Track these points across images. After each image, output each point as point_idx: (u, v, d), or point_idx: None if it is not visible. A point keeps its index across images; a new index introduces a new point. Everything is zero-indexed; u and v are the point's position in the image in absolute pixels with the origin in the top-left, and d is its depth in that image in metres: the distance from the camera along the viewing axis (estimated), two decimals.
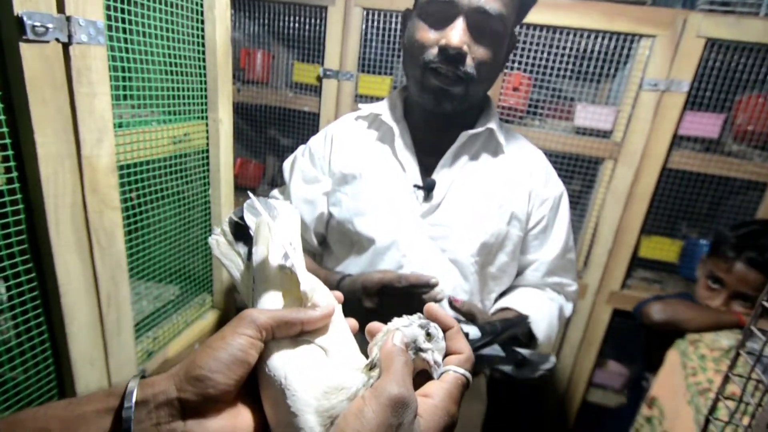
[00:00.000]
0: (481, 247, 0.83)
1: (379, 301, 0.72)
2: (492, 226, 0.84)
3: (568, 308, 0.94)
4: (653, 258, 1.51)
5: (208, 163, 0.96)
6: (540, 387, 1.69)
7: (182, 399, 0.32)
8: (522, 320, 0.72)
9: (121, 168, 0.72)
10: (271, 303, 0.40)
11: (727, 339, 0.94)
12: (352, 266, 0.88)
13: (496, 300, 0.90)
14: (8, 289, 0.61)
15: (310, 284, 0.40)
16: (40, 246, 0.62)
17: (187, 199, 0.93)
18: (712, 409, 0.47)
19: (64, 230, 0.63)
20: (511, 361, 0.66)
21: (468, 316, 0.71)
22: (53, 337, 0.67)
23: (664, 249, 1.49)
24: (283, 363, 0.35)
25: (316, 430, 0.32)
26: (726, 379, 0.46)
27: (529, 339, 0.81)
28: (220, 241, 0.47)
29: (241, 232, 0.46)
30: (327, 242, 0.96)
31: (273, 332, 0.36)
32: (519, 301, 0.85)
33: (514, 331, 0.66)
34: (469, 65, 0.73)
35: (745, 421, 0.47)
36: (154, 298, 0.95)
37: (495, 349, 0.65)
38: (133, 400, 0.32)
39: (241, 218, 0.45)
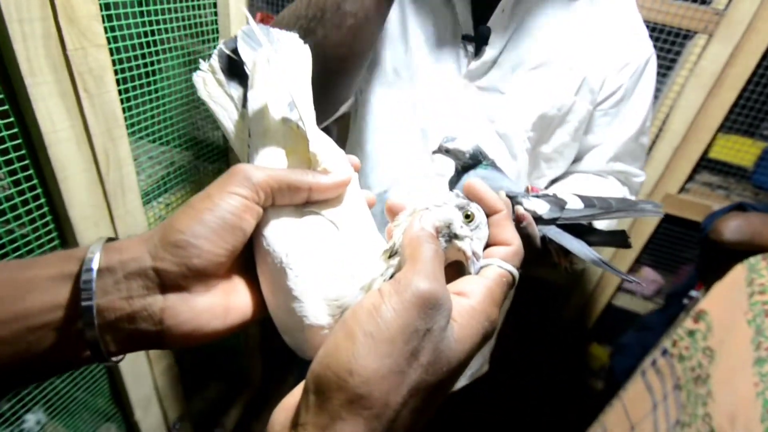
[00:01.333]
0: (539, 120, 0.71)
1: None
2: (556, 95, 0.71)
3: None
4: (724, 160, 1.33)
5: (216, 15, 0.82)
6: (566, 285, 1.66)
7: (159, 269, 0.27)
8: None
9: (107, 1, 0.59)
10: (272, 162, 0.34)
11: None
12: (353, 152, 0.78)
13: (546, 187, 0.80)
14: None
15: (322, 144, 0.34)
16: (15, 90, 0.53)
17: (196, 57, 0.83)
18: None
19: (38, 69, 0.53)
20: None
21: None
22: (48, 194, 0.62)
23: (741, 151, 1.30)
24: (285, 236, 0.31)
25: (323, 319, 0.29)
26: None
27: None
28: (207, 80, 0.38)
29: (236, 69, 0.38)
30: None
31: (273, 196, 0.31)
32: (577, 188, 0.74)
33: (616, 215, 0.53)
34: None
35: None
36: (168, 164, 0.90)
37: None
38: (95, 264, 0.27)
39: (235, 51, 0.37)
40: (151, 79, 0.75)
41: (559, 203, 0.53)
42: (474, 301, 0.28)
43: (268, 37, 0.37)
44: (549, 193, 0.55)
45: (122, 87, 0.67)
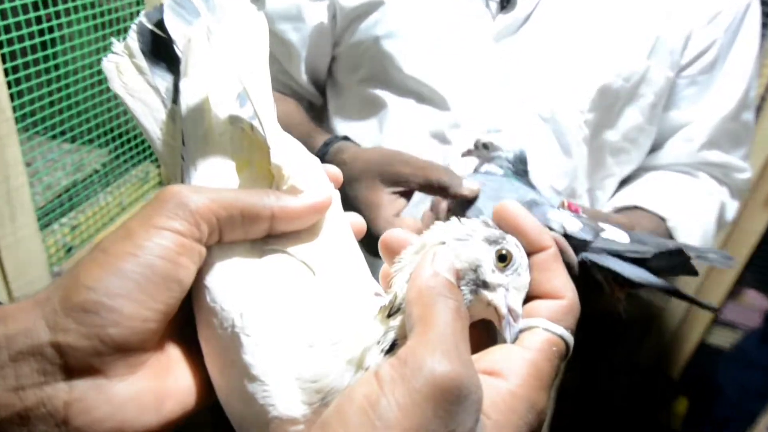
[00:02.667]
0: (600, 95, 0.72)
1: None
2: (621, 60, 0.71)
3: (732, 208, 0.84)
4: None
5: None
6: (640, 320, 1.66)
7: (61, 345, 0.26)
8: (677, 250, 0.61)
9: None
10: (216, 180, 0.34)
11: None
12: (365, 126, 0.79)
13: (615, 193, 0.81)
14: None
15: (288, 151, 0.34)
16: None
17: (112, 17, 0.83)
18: None
19: None
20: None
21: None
22: None
23: None
24: (238, 288, 0.30)
25: (296, 410, 0.27)
26: None
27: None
28: (122, 66, 0.38)
29: (163, 51, 0.38)
30: (331, 82, 0.85)
31: (220, 229, 0.30)
32: (656, 196, 0.75)
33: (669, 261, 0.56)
34: None
35: None
36: (74, 169, 0.90)
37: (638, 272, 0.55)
38: None
39: (161, 25, 0.37)
40: (50, 51, 0.75)
41: (593, 227, 0.54)
42: (513, 384, 0.27)
43: (207, 5, 0.37)
44: (582, 215, 0.56)
45: (9, 65, 0.67)
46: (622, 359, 1.75)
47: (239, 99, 0.35)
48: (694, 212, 0.76)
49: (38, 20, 0.71)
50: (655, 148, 0.81)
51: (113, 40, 0.40)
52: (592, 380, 1.73)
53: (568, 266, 0.50)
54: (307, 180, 0.33)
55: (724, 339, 1.64)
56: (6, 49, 0.66)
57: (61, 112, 0.80)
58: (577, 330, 0.55)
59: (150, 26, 0.38)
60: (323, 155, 0.68)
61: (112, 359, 0.27)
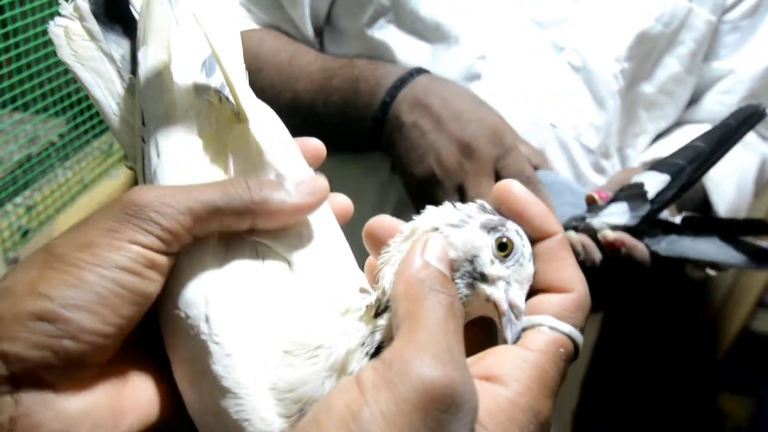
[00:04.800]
0: (637, 42, 0.72)
1: None
2: (660, 2, 0.71)
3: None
4: None
5: None
6: (680, 308, 1.67)
7: (9, 355, 0.27)
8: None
9: None
10: (181, 163, 0.34)
11: None
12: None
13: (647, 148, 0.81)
14: None
15: (266, 125, 0.34)
16: None
17: None
18: None
19: None
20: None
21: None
22: None
23: None
24: (205, 289, 0.30)
25: (273, 423, 0.28)
26: None
27: (703, 211, 0.74)
28: (72, 30, 0.38)
29: (118, 12, 0.38)
30: (329, 29, 0.84)
31: (193, 236, 0.31)
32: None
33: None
34: None
35: None
36: (28, 141, 0.90)
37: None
38: None
39: None
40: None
41: (636, 192, 0.53)
42: (514, 392, 0.27)
43: None
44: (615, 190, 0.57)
45: None
46: (658, 350, 1.76)
47: (205, 67, 0.36)
48: (729, 167, 0.75)
49: None
50: (691, 103, 0.82)
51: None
52: (619, 375, 1.75)
53: (640, 263, 0.51)
54: (292, 164, 0.34)
55: None
56: None
57: (10, 75, 0.80)
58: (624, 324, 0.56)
59: None
60: (393, 97, 0.65)
61: (64, 373, 0.28)
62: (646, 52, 0.74)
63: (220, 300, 0.30)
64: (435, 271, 0.28)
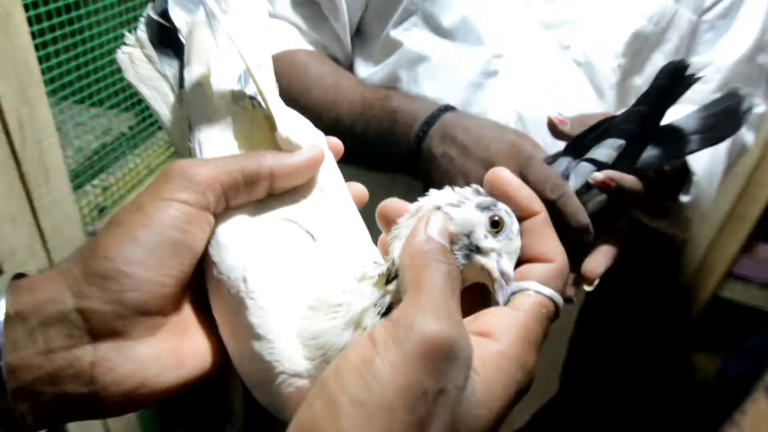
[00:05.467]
0: (632, 40, 0.71)
1: None
2: (653, 4, 0.70)
3: (749, 138, 0.82)
4: None
5: None
6: (655, 272, 1.65)
7: (85, 310, 0.28)
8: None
9: None
10: (220, 152, 0.35)
11: None
12: (398, 77, 0.76)
13: None
14: None
15: (292, 122, 0.34)
16: None
17: None
18: None
19: None
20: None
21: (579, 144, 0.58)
22: None
23: None
24: (242, 256, 0.31)
25: (300, 365, 0.29)
26: None
27: (681, 176, 0.72)
28: (135, 56, 0.40)
29: (169, 40, 0.40)
30: (360, 36, 0.83)
31: (225, 196, 0.31)
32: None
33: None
34: None
35: None
36: (102, 132, 0.90)
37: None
38: (0, 311, 0.27)
39: (166, 15, 0.38)
40: (74, 14, 0.74)
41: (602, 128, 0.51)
42: (504, 345, 0.27)
43: None
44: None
45: (36, 28, 0.66)
46: (637, 313, 1.74)
47: (241, 80, 0.37)
48: None
49: None
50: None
51: (125, 33, 0.41)
52: (603, 334, 1.73)
53: (632, 190, 0.50)
54: (303, 138, 0.34)
55: (737, 293, 1.63)
56: (31, 12, 0.65)
57: (87, 75, 0.80)
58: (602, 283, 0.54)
59: (156, 17, 0.39)
60: (425, 132, 0.63)
61: (133, 322, 0.28)
62: (638, 48, 0.72)
63: (255, 265, 0.30)
64: (437, 243, 0.28)
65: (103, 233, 0.29)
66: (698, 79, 0.48)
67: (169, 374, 0.30)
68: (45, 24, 0.68)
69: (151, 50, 0.40)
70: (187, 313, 0.32)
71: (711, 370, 1.73)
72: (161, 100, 0.39)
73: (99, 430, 0.94)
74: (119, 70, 0.40)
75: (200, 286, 0.33)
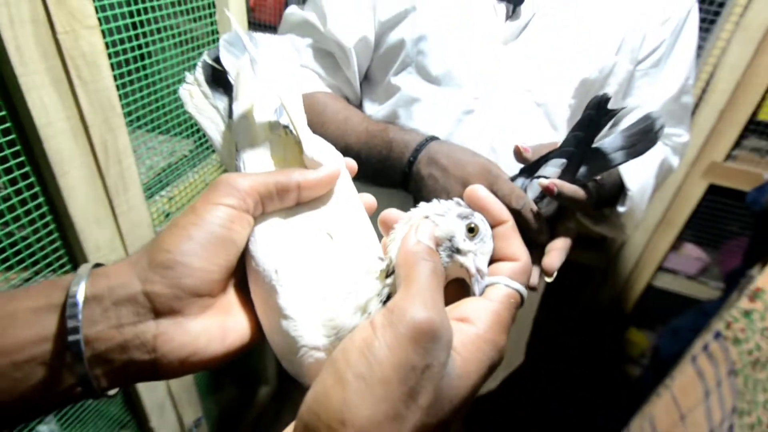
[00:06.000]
0: (581, 85, 0.70)
1: None
2: (598, 56, 0.69)
3: (675, 162, 0.82)
4: None
5: None
6: (602, 267, 1.64)
7: (149, 293, 0.28)
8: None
9: None
10: (259, 169, 0.35)
11: None
12: (397, 114, 0.77)
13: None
14: None
15: (316, 146, 0.34)
16: (6, 81, 0.53)
17: (192, 37, 0.82)
18: None
19: (28, 54, 0.52)
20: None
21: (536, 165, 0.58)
22: (47, 192, 0.62)
23: None
24: (274, 252, 0.31)
25: (319, 340, 0.29)
26: None
27: (618, 191, 0.72)
28: (193, 92, 0.40)
29: (220, 79, 0.40)
30: (367, 81, 0.83)
31: (262, 203, 0.31)
32: None
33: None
34: None
35: None
36: (168, 154, 0.90)
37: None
38: (81, 293, 0.27)
39: (218, 60, 0.39)
40: (146, 62, 0.74)
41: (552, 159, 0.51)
42: (479, 328, 0.27)
43: (253, 42, 0.37)
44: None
45: (116, 72, 0.66)
46: (589, 297, 1.73)
47: (277, 112, 0.36)
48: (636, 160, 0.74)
49: (135, 38, 0.70)
50: (612, 126, 0.79)
51: (186, 72, 0.41)
52: (563, 315, 1.73)
53: (573, 196, 0.49)
54: (325, 159, 0.34)
55: (666, 283, 1.62)
56: (113, 60, 0.65)
57: (157, 110, 0.80)
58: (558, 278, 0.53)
59: (210, 61, 0.40)
60: (415, 157, 0.62)
61: (188, 302, 0.28)
62: (585, 91, 0.72)
63: (285, 259, 0.30)
64: (425, 246, 0.29)
65: (165, 232, 0.29)
66: (617, 111, 0.48)
67: (216, 345, 0.30)
68: (124, 69, 0.68)
69: (206, 88, 0.40)
70: (231, 295, 0.32)
71: (645, 344, 1.72)
72: (214, 128, 0.40)
73: (163, 387, 0.93)
74: (182, 104, 0.41)
75: (242, 274, 0.32)
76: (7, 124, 0.55)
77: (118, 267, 0.28)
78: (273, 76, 0.36)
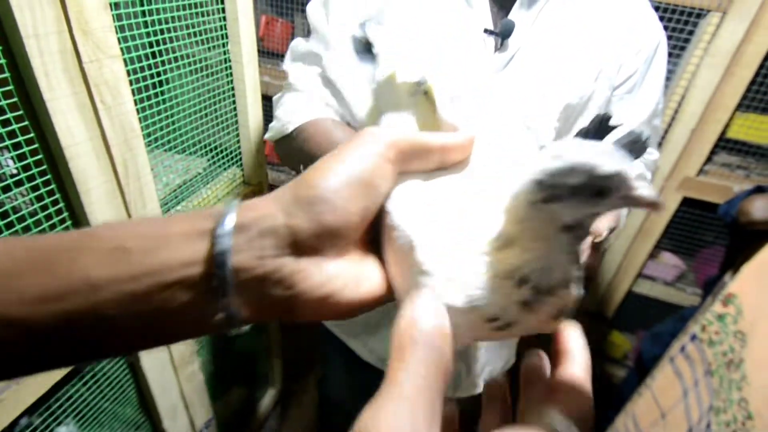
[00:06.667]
0: (564, 109, 0.71)
1: None
2: (578, 85, 0.71)
3: (649, 176, 0.84)
4: (743, 139, 1.30)
5: (225, 24, 0.82)
6: (586, 273, 1.64)
7: (292, 226, 0.26)
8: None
9: (118, 12, 0.59)
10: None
11: None
12: None
13: None
14: (14, 160, 0.54)
15: (454, 112, 0.33)
16: (34, 105, 0.53)
17: (206, 65, 0.83)
18: None
19: (56, 84, 0.53)
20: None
21: None
22: (71, 208, 0.62)
23: (759, 129, 1.27)
24: (413, 210, 0.28)
25: (458, 300, 0.26)
26: None
27: None
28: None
29: (368, 50, 0.39)
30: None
31: (403, 157, 0.29)
32: None
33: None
34: None
35: None
36: (183, 172, 0.90)
37: None
38: (231, 220, 0.25)
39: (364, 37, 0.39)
40: (164, 88, 0.75)
41: None
42: None
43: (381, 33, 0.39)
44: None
45: (137, 97, 0.67)
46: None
47: (418, 81, 0.35)
48: None
49: (154, 65, 0.70)
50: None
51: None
52: None
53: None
54: (462, 124, 0.33)
55: (646, 289, 1.61)
56: (134, 86, 0.66)
57: (172, 131, 0.80)
58: None
59: (359, 36, 0.40)
60: None
61: (326, 241, 0.27)
62: (567, 116, 0.73)
63: (420, 218, 0.29)
64: (431, 323, 0.23)
65: (311, 170, 0.27)
66: (616, 127, 0.49)
67: (350, 291, 0.27)
68: (144, 94, 0.69)
69: (355, 57, 0.40)
70: (366, 246, 0.30)
71: (628, 346, 1.71)
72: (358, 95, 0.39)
73: (176, 390, 0.92)
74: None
75: (375, 234, 0.30)
76: (35, 146, 0.55)
77: (264, 200, 0.27)
78: (411, 47, 0.37)
